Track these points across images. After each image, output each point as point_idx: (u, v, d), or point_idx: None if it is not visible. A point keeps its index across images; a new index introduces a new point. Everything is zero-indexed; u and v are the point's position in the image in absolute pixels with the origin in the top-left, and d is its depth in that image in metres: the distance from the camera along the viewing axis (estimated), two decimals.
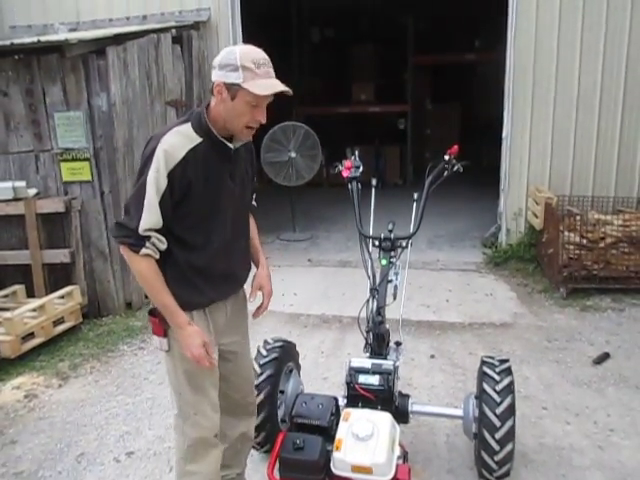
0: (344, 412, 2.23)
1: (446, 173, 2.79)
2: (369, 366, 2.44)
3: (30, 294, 4.49)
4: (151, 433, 3.00)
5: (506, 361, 2.49)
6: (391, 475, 2.05)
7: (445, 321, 4.37)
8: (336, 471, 2.09)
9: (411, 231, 2.76)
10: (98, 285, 4.66)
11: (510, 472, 2.37)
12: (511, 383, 2.37)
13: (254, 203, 2.24)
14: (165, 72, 5.08)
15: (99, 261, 4.64)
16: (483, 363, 2.50)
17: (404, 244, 2.77)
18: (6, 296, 4.43)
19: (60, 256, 4.49)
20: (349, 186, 2.90)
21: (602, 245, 4.69)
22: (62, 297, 4.33)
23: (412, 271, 5.46)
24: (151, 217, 1.80)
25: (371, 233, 2.83)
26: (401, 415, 2.52)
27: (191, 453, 2.02)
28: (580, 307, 4.52)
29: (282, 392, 2.68)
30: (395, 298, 2.72)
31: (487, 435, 2.28)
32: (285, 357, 2.73)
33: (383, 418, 2.17)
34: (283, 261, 6.04)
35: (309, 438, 2.11)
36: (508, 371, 2.42)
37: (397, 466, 2.09)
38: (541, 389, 3.33)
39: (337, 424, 2.20)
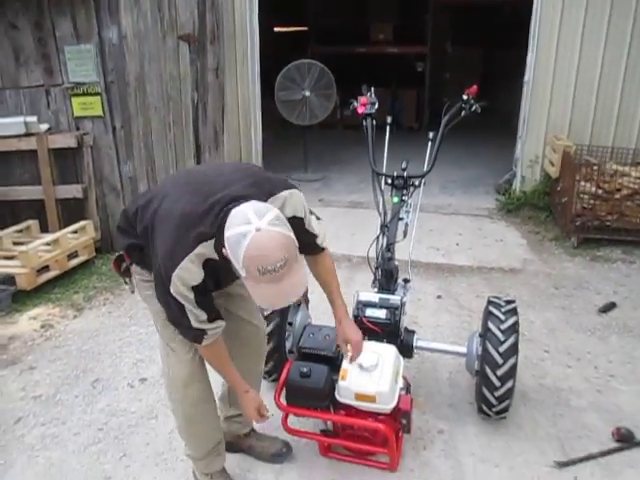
0: (349, 345, 2.28)
1: (463, 113, 2.74)
2: (377, 300, 2.48)
3: (44, 229, 4.55)
4: None
5: (512, 302, 2.52)
6: (393, 404, 2.12)
7: (454, 264, 4.39)
8: (340, 399, 2.17)
9: (425, 170, 2.74)
10: (111, 220, 4.71)
11: (509, 408, 2.44)
12: (516, 323, 2.40)
13: (323, 245, 2.04)
14: (177, 4, 4.93)
15: (111, 196, 4.68)
16: (489, 303, 2.53)
17: (417, 183, 2.76)
18: (20, 231, 4.49)
19: (73, 191, 4.52)
20: (363, 123, 2.87)
21: (618, 196, 4.62)
22: (75, 232, 4.40)
23: (423, 214, 5.44)
24: (196, 316, 1.76)
25: (384, 171, 2.81)
26: (406, 349, 2.58)
27: (170, 386, 2.03)
28: (590, 257, 4.51)
29: (290, 324, 2.74)
30: (405, 236, 2.73)
31: (489, 371, 2.33)
32: None
33: (388, 350, 2.23)
34: None
35: (315, 366, 2.18)
36: (514, 311, 2.45)
37: (400, 396, 2.16)
38: (545, 333, 3.37)
39: (343, 356, 2.26)
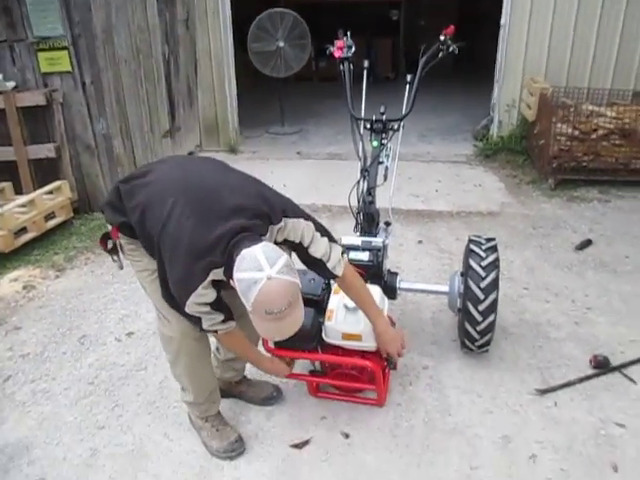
0: (335, 286, 2.31)
1: (441, 54, 2.72)
2: (359, 243, 2.51)
3: (18, 191, 4.45)
4: (149, 315, 3.11)
5: (492, 239, 2.56)
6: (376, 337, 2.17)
7: (433, 210, 4.43)
8: (327, 339, 2.21)
9: (403, 112, 2.73)
10: (87, 180, 4.62)
11: (491, 342, 2.51)
12: (496, 260, 2.45)
13: (336, 272, 1.98)
14: None
15: (86, 155, 4.57)
16: (470, 241, 2.57)
17: (395, 127, 2.75)
18: None
19: (45, 151, 4.40)
20: (341, 67, 2.83)
21: (594, 137, 4.66)
22: (51, 192, 4.31)
23: (402, 163, 5.40)
24: (212, 319, 1.80)
25: (362, 115, 2.79)
26: (390, 291, 2.63)
27: (165, 342, 2.07)
28: (567, 197, 4.58)
29: None
30: (386, 179, 2.74)
31: (471, 307, 2.39)
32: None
33: (372, 290, 2.26)
34: (272, 154, 6.00)
35: None
36: (494, 249, 2.49)
37: None
38: (524, 271, 3.45)
39: (328, 298, 2.29)
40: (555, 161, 4.70)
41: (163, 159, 2.26)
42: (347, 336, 2.17)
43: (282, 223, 1.80)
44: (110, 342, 2.92)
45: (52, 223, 4.23)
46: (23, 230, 4.02)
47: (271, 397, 2.41)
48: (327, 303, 2.27)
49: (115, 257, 2.08)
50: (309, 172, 5.43)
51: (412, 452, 2.13)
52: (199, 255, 1.68)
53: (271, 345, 2.25)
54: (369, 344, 2.18)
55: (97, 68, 4.37)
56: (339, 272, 1.98)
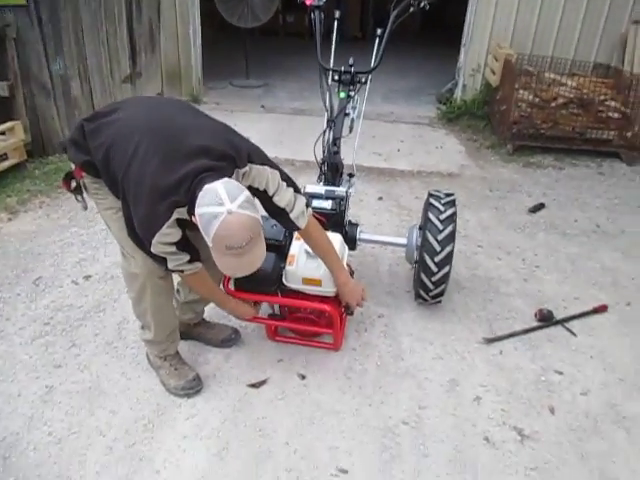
0: (297, 233, 2.34)
1: (412, 9, 2.72)
2: (322, 192, 2.54)
3: None
4: (107, 259, 3.08)
5: (451, 195, 2.63)
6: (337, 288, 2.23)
7: (395, 168, 4.49)
8: (288, 284, 2.25)
9: (372, 65, 2.73)
10: (42, 122, 4.44)
11: (444, 293, 2.61)
12: (454, 214, 2.52)
13: (298, 223, 1.98)
14: None
15: (41, 97, 4.38)
16: (430, 196, 2.63)
17: (363, 79, 2.75)
18: None
19: None
20: (312, 16, 2.79)
21: (553, 105, 4.78)
22: (3, 133, 4.13)
23: (366, 121, 5.39)
24: (178, 259, 1.80)
25: (331, 67, 2.78)
26: (350, 241, 2.68)
27: (129, 279, 2.07)
28: (524, 163, 4.71)
29: None
30: (351, 131, 2.76)
31: (427, 259, 2.47)
32: None
33: (334, 238, 2.30)
34: (236, 106, 5.91)
35: None
36: (452, 203, 2.57)
37: None
38: (479, 230, 3.57)
39: (290, 243, 2.33)
40: (515, 127, 4.81)
41: (130, 98, 2.21)
42: (307, 281, 2.22)
43: (247, 168, 1.80)
44: (67, 285, 2.88)
45: (5, 165, 4.07)
46: None
47: (229, 339, 2.45)
48: (289, 248, 2.30)
49: (80, 197, 2.04)
50: (273, 126, 5.38)
51: (364, 393, 2.22)
52: (163, 195, 1.68)
53: (231, 287, 2.28)
54: (328, 289, 2.23)
55: (55, 4, 4.16)
56: (301, 224, 2.00)
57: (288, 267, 2.22)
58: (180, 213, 1.70)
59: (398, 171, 4.46)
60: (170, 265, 1.81)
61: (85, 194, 2.03)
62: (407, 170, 4.47)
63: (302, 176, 4.12)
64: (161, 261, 1.81)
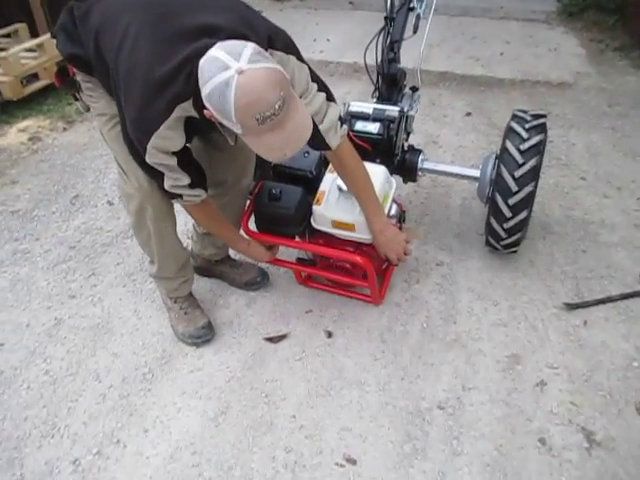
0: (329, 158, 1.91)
1: None
2: (370, 112, 2.05)
3: (35, 35, 4.07)
4: None
5: (541, 116, 2.02)
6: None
7: (493, 76, 3.76)
8: (316, 225, 1.87)
9: None
10: None
11: (520, 242, 2.09)
12: (540, 143, 1.93)
13: (329, 139, 1.58)
14: None
15: None
16: (513, 117, 2.05)
17: None
18: (8, 35, 4.03)
19: None
20: None
21: None
22: (33, 50, 3.88)
23: (467, 19, 4.70)
24: (176, 179, 1.49)
25: None
26: (407, 171, 2.21)
27: (126, 203, 1.78)
28: None
29: None
30: (416, 31, 2.18)
31: (499, 199, 1.95)
32: None
33: (376, 172, 1.85)
34: (320, 4, 5.30)
35: (287, 188, 1.85)
36: (540, 128, 1.97)
37: None
38: (585, 158, 2.88)
39: (321, 177, 1.90)
40: None
41: None
42: (338, 224, 1.81)
43: (285, 56, 1.40)
44: (101, 205, 2.70)
45: (37, 86, 3.82)
46: (35, 77, 3.73)
47: (254, 282, 2.14)
48: (320, 182, 1.88)
49: (77, 95, 1.69)
50: (358, 26, 4.72)
51: (399, 362, 1.84)
52: (159, 87, 1.31)
53: (252, 228, 1.93)
54: (364, 236, 1.82)
55: None
56: (333, 141, 1.58)
57: (315, 206, 1.82)
58: (184, 110, 1.33)
59: (496, 80, 3.73)
60: (166, 184, 1.49)
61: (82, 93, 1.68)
62: (508, 78, 3.73)
63: None
64: (157, 177, 1.49)
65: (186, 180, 1.50)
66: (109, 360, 1.90)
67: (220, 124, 1.31)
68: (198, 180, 1.55)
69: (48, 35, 3.77)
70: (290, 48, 1.44)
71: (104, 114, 1.63)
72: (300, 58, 1.46)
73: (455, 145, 3.04)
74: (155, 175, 1.50)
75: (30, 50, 3.72)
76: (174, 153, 1.42)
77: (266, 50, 1.29)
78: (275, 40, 1.39)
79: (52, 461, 1.61)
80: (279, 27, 1.46)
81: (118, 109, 1.46)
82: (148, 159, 1.41)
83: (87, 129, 3.44)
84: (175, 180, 1.49)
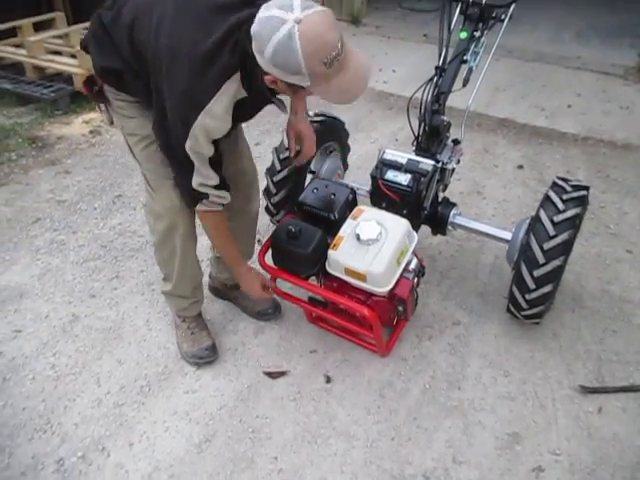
0: (356, 209, 1.90)
1: None
2: (403, 162, 2.01)
3: None
4: None
5: (583, 188, 1.93)
6: (387, 288, 1.77)
7: (555, 129, 3.63)
8: (330, 270, 1.85)
9: None
10: None
11: (543, 315, 2.00)
12: (576, 217, 1.85)
13: None
14: None
15: None
16: (553, 185, 1.97)
17: (497, 14, 2.08)
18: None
19: None
20: None
21: None
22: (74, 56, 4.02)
23: (542, 65, 4.57)
24: (205, 177, 1.52)
25: None
26: (437, 224, 2.18)
27: (152, 221, 1.81)
28: None
29: (313, 172, 2.37)
30: (466, 84, 2.14)
31: (524, 269, 1.87)
32: (325, 134, 2.34)
33: (397, 224, 1.82)
34: (395, 32, 5.29)
35: (307, 228, 1.84)
36: (579, 201, 1.88)
37: (399, 280, 1.80)
38: (636, 229, 2.73)
39: (344, 220, 1.89)
40: None
41: None
42: (350, 272, 1.79)
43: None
44: (139, 208, 2.78)
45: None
46: None
47: (266, 313, 2.15)
48: (341, 226, 1.87)
49: (103, 106, 1.71)
50: (428, 60, 4.63)
51: (392, 421, 1.80)
52: (205, 61, 1.34)
53: (267, 261, 1.93)
54: (375, 288, 1.78)
55: None
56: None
57: (331, 251, 1.80)
58: (233, 83, 1.36)
59: (558, 133, 3.60)
60: (195, 182, 1.51)
61: (110, 106, 1.69)
62: (570, 133, 3.59)
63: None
64: (188, 172, 1.50)
65: (215, 180, 1.53)
66: (112, 366, 1.95)
67: (275, 94, 1.39)
68: (224, 183, 1.57)
69: None
70: None
71: (135, 134, 1.65)
72: None
73: (499, 198, 2.95)
74: (185, 170, 1.49)
75: None
76: (214, 142, 1.44)
77: None
78: None
79: (39, 456, 1.67)
80: None
81: (155, 101, 1.45)
82: (188, 145, 1.41)
83: None
84: (204, 178, 1.51)
